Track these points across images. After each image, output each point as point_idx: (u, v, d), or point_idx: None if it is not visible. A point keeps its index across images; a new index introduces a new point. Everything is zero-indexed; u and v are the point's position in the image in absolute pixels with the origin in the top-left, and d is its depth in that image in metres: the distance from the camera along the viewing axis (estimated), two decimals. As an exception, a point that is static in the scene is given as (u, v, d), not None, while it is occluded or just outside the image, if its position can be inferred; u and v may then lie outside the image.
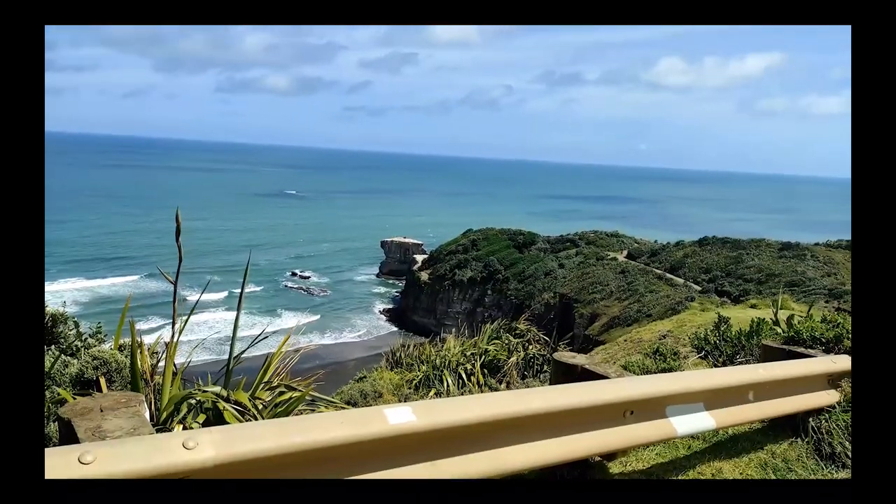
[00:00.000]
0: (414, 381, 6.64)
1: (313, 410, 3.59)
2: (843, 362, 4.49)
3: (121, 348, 3.62)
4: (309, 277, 76.38)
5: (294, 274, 76.84)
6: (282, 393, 3.54)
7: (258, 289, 68.40)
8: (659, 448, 4.12)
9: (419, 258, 70.34)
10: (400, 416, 2.38)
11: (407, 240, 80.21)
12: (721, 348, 5.97)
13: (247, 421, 2.95)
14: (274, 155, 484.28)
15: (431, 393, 6.37)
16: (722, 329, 6.36)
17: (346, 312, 64.78)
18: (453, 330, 8.36)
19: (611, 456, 3.52)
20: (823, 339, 4.81)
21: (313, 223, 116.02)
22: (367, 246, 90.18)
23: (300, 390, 3.53)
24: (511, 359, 7.02)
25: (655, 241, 64.23)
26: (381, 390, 6.53)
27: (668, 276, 51.02)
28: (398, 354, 7.78)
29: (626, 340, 9.56)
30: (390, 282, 76.35)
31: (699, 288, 46.32)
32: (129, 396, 2.19)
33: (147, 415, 2.20)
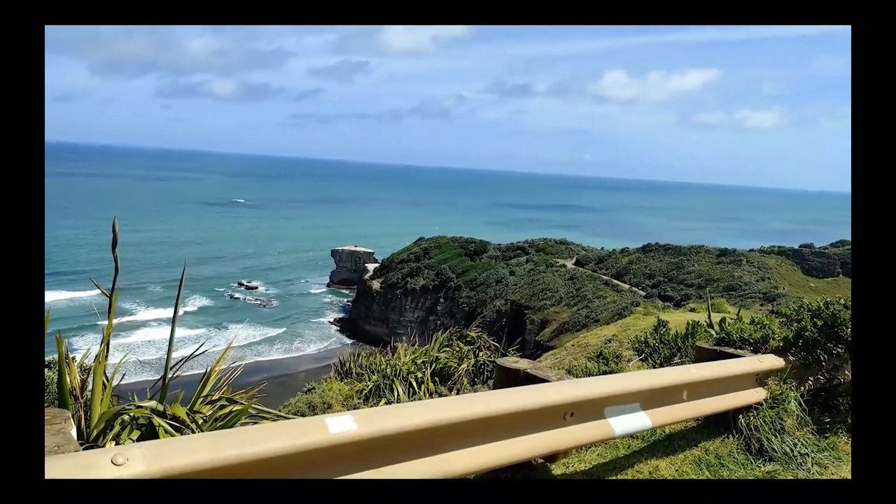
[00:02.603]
0: (364, 392, 6.58)
1: (256, 424, 3.52)
2: (768, 361, 4.76)
3: (49, 364, 3.46)
4: (256, 288, 74.55)
5: (241, 285, 74.83)
6: (223, 406, 3.45)
7: (209, 303, 66.25)
8: (600, 448, 4.24)
9: (371, 267, 69.74)
10: (341, 425, 2.37)
11: (358, 248, 79.44)
12: (660, 350, 6.21)
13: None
14: (220, 162, 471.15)
15: (382, 403, 6.33)
16: (661, 332, 6.62)
17: (296, 323, 63.47)
18: (405, 338, 8.34)
19: (552, 457, 3.59)
20: (751, 340, 5.08)
21: (263, 233, 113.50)
22: (318, 256, 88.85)
23: (242, 403, 3.45)
24: (462, 366, 7.05)
25: (602, 248, 66.05)
26: (330, 401, 6.45)
27: (615, 281, 52.59)
28: (348, 364, 7.70)
29: (573, 345, 9.80)
30: (342, 291, 75.38)
31: (643, 293, 47.94)
32: (53, 413, 2.11)
33: (74, 432, 2.12)
